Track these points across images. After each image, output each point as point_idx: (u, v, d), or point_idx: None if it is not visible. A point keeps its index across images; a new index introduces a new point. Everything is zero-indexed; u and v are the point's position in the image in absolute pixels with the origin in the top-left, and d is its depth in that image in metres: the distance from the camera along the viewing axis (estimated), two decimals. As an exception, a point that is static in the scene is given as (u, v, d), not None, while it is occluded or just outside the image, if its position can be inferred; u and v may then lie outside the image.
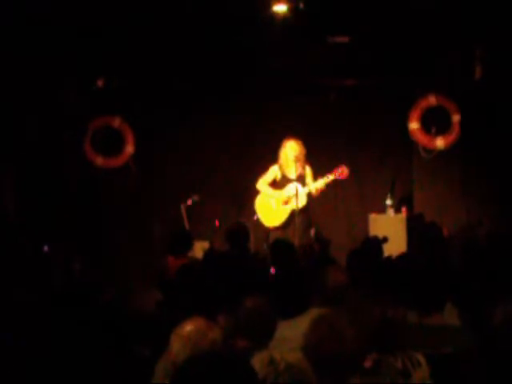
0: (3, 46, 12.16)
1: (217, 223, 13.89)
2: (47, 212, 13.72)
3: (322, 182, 13.58)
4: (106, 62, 14.01)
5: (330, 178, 13.53)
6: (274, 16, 13.24)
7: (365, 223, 13.70)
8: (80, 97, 14.42)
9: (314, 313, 6.51)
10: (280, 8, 13.10)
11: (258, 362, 4.40)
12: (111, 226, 14.10)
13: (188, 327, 5.99)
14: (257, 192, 13.85)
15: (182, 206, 13.97)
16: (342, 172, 13.48)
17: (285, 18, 13.26)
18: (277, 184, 13.79)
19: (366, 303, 7.03)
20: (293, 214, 13.60)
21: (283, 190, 13.72)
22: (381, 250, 10.48)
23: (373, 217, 13.88)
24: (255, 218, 13.80)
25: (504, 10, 12.71)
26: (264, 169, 13.75)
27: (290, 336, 6.63)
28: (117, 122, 14.90)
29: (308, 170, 13.70)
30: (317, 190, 13.57)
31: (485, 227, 12.57)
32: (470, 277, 8.26)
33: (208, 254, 12.20)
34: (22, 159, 13.43)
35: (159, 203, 14.10)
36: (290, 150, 13.60)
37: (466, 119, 14.41)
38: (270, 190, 13.79)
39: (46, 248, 13.61)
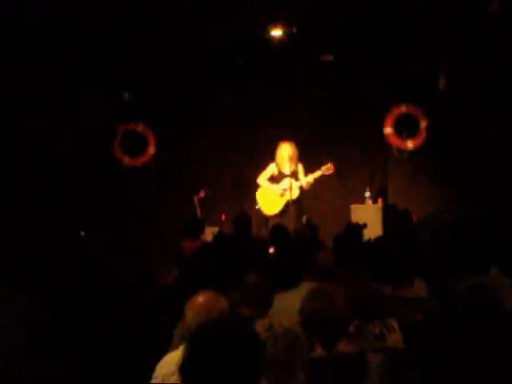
0: (43, 61, 12.09)
1: (223, 217, 13.91)
2: (84, 203, 13.73)
3: (311, 177, 13.59)
4: (133, 78, 14.02)
5: (319, 173, 13.54)
6: (271, 39, 13.26)
7: (347, 212, 13.68)
8: (111, 107, 14.43)
9: (306, 286, 6.52)
10: (276, 33, 13.11)
11: (259, 327, 4.39)
12: (137, 216, 14.09)
13: (200, 298, 6.00)
14: (257, 186, 13.85)
15: (195, 198, 13.98)
16: (328, 168, 13.49)
17: (280, 40, 13.28)
18: (274, 179, 13.79)
19: (349, 279, 7.04)
20: (287, 204, 13.60)
21: (279, 184, 13.73)
22: (361, 234, 10.48)
23: (354, 207, 13.87)
24: (256, 207, 13.82)
25: (465, 29, 12.71)
26: (263, 166, 13.75)
27: (286, 305, 6.63)
28: (140, 127, 14.93)
29: (300, 167, 13.70)
30: (307, 183, 13.58)
31: (450, 213, 12.56)
32: (436, 255, 8.26)
33: (217, 237, 12.21)
34: (63, 158, 13.41)
35: (176, 195, 14.08)
36: (285, 151, 13.60)
37: (432, 124, 14.42)
38: (269, 184, 13.80)
39: (82, 234, 13.63)
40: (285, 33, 13.27)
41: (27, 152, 12.27)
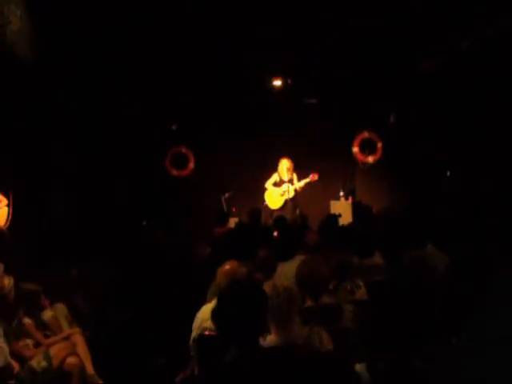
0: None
1: (234, 209, 13.91)
2: (146, 201, 13.75)
3: (302, 182, 13.58)
4: (178, 116, 14.04)
5: (307, 180, 13.54)
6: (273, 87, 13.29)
7: (328, 206, 13.64)
8: (164, 136, 14.46)
9: (299, 258, 6.53)
10: (277, 83, 13.11)
11: (266, 287, 4.38)
12: (182, 211, 14.10)
13: (227, 266, 6.05)
14: (265, 189, 13.87)
15: (222, 198, 13.97)
16: (313, 177, 13.49)
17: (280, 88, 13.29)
18: (277, 184, 13.79)
19: (329, 252, 7.04)
20: (286, 202, 13.65)
21: (281, 187, 13.74)
22: (337, 222, 10.48)
23: (332, 202, 13.80)
24: (264, 204, 13.83)
25: (407, 85, 12.73)
26: (269, 175, 13.77)
27: (285, 271, 6.68)
28: (184, 149, 14.90)
29: (294, 176, 13.70)
30: (300, 187, 13.58)
31: (398, 207, 12.54)
32: (388, 236, 8.27)
33: (238, 225, 12.21)
34: (133, 172, 13.42)
35: (209, 196, 14.06)
36: (284, 165, 13.63)
37: (385, 145, 14.46)
38: (273, 188, 13.81)
39: (144, 222, 13.63)
40: (283, 83, 13.27)
41: (109, 167, 12.27)
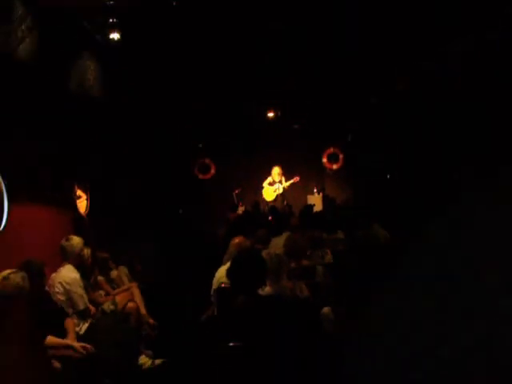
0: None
1: (240, 204, 13.85)
2: (180, 197, 13.76)
3: (288, 183, 13.62)
4: (204, 138, 14.08)
5: (291, 181, 13.58)
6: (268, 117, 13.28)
7: (306, 199, 13.63)
8: (194, 151, 14.51)
9: (285, 234, 6.52)
10: (270, 114, 13.13)
11: (264, 254, 4.40)
12: (206, 202, 14.08)
13: (236, 240, 6.04)
14: (263, 187, 13.90)
15: (234, 193, 13.97)
16: (296, 179, 13.53)
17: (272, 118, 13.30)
18: (271, 183, 13.82)
19: (306, 230, 7.05)
20: (277, 196, 13.69)
21: (273, 186, 13.77)
22: (312, 210, 10.49)
23: (309, 196, 13.79)
24: (262, 197, 13.87)
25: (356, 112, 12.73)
26: (266, 177, 13.83)
27: (277, 243, 6.66)
28: (207, 161, 14.92)
29: (283, 178, 13.74)
30: (286, 186, 13.63)
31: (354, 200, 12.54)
32: (346, 218, 8.26)
33: (244, 212, 12.23)
34: (171, 177, 13.45)
35: (225, 192, 14.05)
36: (276, 170, 13.70)
37: (345, 157, 14.47)
38: (268, 186, 13.84)
39: (180, 211, 13.64)
40: (275, 114, 13.30)
41: (156, 173, 12.30)
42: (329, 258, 6.15)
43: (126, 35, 6.96)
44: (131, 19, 6.75)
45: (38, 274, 5.12)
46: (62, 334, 5.08)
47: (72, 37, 6.59)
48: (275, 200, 13.73)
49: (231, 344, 3.57)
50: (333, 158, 14.73)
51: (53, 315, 5.17)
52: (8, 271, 4.49)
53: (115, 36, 6.76)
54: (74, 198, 7.98)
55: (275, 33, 8.10)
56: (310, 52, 8.89)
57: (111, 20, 6.38)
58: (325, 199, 13.22)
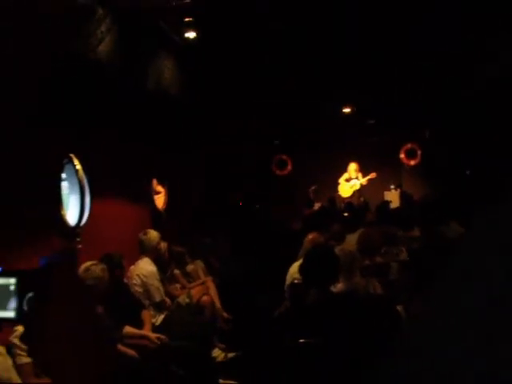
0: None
1: (313, 188, 13.75)
2: (259, 192, 13.84)
3: (365, 179, 13.51)
4: (281, 134, 14.09)
5: (368, 177, 13.43)
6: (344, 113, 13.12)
7: (382, 195, 13.35)
8: (271, 149, 14.57)
9: (359, 231, 6.40)
10: (347, 110, 12.96)
11: (337, 250, 4.36)
12: (282, 197, 14.06)
13: (310, 236, 6.03)
14: (339, 183, 13.82)
15: (310, 189, 13.89)
16: (372, 175, 13.35)
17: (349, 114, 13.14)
18: (347, 180, 13.73)
19: (382, 226, 6.92)
20: (354, 192, 13.60)
21: (350, 182, 13.66)
22: (388, 206, 10.36)
23: (385, 192, 13.55)
24: (338, 193, 13.80)
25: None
26: (342, 173, 13.79)
27: (351, 240, 6.56)
28: (284, 157, 14.95)
29: (359, 174, 13.63)
30: (363, 182, 13.51)
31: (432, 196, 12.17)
32: (423, 215, 8.02)
33: (320, 208, 12.17)
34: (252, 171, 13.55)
35: (301, 187, 14.01)
36: (352, 167, 13.67)
37: (423, 153, 14.11)
38: (345, 182, 13.74)
39: (257, 206, 13.69)
40: (351, 110, 13.12)
41: (235, 170, 12.42)
42: (404, 255, 5.99)
43: (204, 33, 7.03)
44: (208, 17, 6.82)
45: (117, 267, 5.27)
46: (139, 324, 5.21)
47: (149, 36, 6.72)
48: (351, 196, 13.58)
49: (302, 340, 3.54)
50: (410, 154, 14.37)
51: (130, 306, 5.31)
52: (89, 263, 4.65)
53: (191, 35, 6.86)
54: (152, 194, 8.15)
55: (351, 28, 7.96)
56: (389, 45, 8.69)
57: (187, 19, 6.48)
58: (402, 195, 12.95)
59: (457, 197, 9.91)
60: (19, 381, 3.26)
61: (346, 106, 13.01)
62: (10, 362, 3.28)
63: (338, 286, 4.25)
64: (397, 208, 10.69)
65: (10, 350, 3.40)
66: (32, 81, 4.65)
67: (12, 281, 0.76)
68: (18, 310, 0.75)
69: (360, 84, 10.64)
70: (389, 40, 8.40)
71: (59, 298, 0.77)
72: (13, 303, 0.76)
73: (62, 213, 5.34)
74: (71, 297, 0.79)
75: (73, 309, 0.78)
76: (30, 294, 0.75)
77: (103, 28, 5.09)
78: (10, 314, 0.76)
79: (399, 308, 3.89)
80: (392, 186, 13.86)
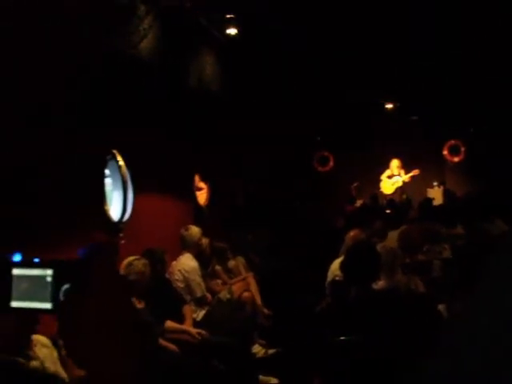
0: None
1: (355, 184, 13.63)
2: (299, 189, 13.77)
3: (408, 176, 13.28)
4: (323, 131, 14.00)
5: (411, 174, 13.23)
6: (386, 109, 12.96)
7: (425, 192, 13.11)
8: (312, 146, 14.50)
9: (401, 228, 6.30)
10: (389, 106, 12.80)
11: (378, 247, 4.31)
12: (324, 194, 13.96)
13: (352, 233, 5.95)
14: (381, 180, 13.64)
15: (352, 186, 13.73)
16: (415, 172, 13.16)
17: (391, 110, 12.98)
18: (390, 177, 13.51)
19: (425, 223, 6.81)
20: (396, 189, 13.39)
21: (392, 179, 13.48)
22: (431, 203, 10.18)
23: (428, 190, 13.29)
24: (380, 190, 13.62)
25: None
26: (384, 170, 13.60)
27: (392, 237, 6.45)
28: (326, 153, 14.84)
29: (402, 171, 13.43)
30: (406, 179, 13.30)
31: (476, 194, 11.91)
32: (467, 212, 7.88)
33: (362, 205, 12.10)
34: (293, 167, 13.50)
35: (343, 184, 13.86)
36: (395, 163, 13.41)
37: (467, 149, 13.84)
38: (387, 179, 13.56)
39: (298, 203, 13.63)
40: (394, 106, 12.94)
41: (278, 167, 12.41)
42: (447, 253, 5.89)
43: (245, 30, 7.04)
44: (249, 14, 6.82)
45: (159, 262, 5.32)
46: (180, 319, 5.25)
47: (191, 33, 6.75)
48: (394, 193, 13.40)
49: (342, 338, 3.52)
50: (454, 151, 14.09)
51: (172, 301, 5.35)
52: (132, 258, 4.71)
53: (233, 31, 6.88)
54: (194, 190, 8.20)
55: (397, 24, 7.87)
56: (433, 41, 8.56)
57: (228, 15, 6.51)
58: (445, 193, 12.72)
59: (501, 194, 9.69)
60: (65, 374, 3.30)
61: (388, 102, 12.82)
62: (55, 354, 3.32)
63: (380, 284, 4.20)
64: (440, 205, 10.52)
65: (56, 342, 3.44)
66: (77, 79, 4.72)
67: (49, 272, 0.76)
68: (55, 301, 0.75)
69: (403, 80, 10.51)
70: (434, 36, 8.27)
71: (96, 291, 0.77)
72: (49, 294, 0.76)
73: (106, 208, 5.41)
74: (109, 290, 0.79)
75: (110, 302, 0.78)
76: (67, 286, 0.75)
77: (145, 25, 5.14)
78: (46, 305, 0.76)
79: (441, 307, 3.82)
80: (435, 183, 13.61)
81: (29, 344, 3.15)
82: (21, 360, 2.94)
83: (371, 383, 3.36)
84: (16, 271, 0.77)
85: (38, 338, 3.24)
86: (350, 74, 10.06)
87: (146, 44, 5.31)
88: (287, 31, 7.72)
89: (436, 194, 12.69)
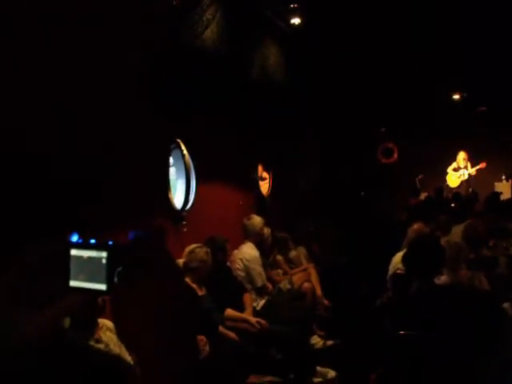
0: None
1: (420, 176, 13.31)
2: (363, 180, 13.58)
3: (474, 169, 13.01)
4: (388, 122, 13.75)
5: (477, 167, 12.91)
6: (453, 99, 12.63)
7: (492, 186, 12.71)
8: (377, 135, 14.26)
9: (465, 222, 6.11)
10: (456, 97, 12.47)
11: (443, 242, 4.23)
12: (388, 186, 13.72)
13: (415, 226, 5.85)
14: (447, 172, 13.35)
15: (416, 178, 13.51)
16: (482, 165, 12.83)
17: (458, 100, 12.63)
18: (455, 169, 13.32)
19: (490, 218, 6.61)
20: (462, 182, 13.17)
21: (458, 172, 13.23)
22: (499, 197, 9.87)
23: (496, 183, 12.88)
24: (446, 183, 13.35)
25: None
26: (450, 163, 13.31)
27: (456, 231, 6.29)
28: (390, 145, 14.60)
29: (468, 164, 13.16)
30: (472, 172, 13.01)
31: None
32: None
33: (426, 198, 11.85)
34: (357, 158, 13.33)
35: (406, 176, 13.61)
36: (461, 155, 13.27)
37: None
38: (453, 172, 13.31)
39: (362, 193, 13.44)
40: (460, 96, 12.60)
41: (339, 157, 12.27)
42: (515, 249, 5.71)
43: (309, 19, 6.97)
44: (313, 3, 6.74)
45: (220, 250, 5.37)
46: (241, 307, 5.28)
47: (254, 23, 6.74)
48: (460, 186, 13.11)
49: (402, 332, 3.45)
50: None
51: (232, 289, 5.39)
52: (194, 245, 4.76)
53: (296, 21, 6.82)
54: (257, 179, 8.22)
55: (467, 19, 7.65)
56: (502, 29, 8.26)
57: (292, 5, 6.45)
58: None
59: None
60: (129, 357, 3.36)
61: (455, 93, 12.48)
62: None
63: (442, 278, 4.12)
64: (508, 199, 10.17)
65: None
66: (141, 69, 4.80)
67: (104, 254, 0.77)
68: (109, 283, 0.77)
69: (471, 69, 10.20)
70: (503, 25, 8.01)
71: (144, 275, 0.77)
72: (104, 276, 0.78)
73: (170, 196, 5.49)
74: (157, 275, 0.79)
75: (159, 288, 0.78)
76: (120, 268, 0.77)
77: (209, 15, 5.16)
78: (102, 286, 0.78)
79: (506, 305, 3.70)
80: (503, 177, 13.17)
81: (96, 327, 3.26)
82: (90, 343, 3.02)
83: (429, 381, 3.30)
84: (73, 252, 0.79)
85: (104, 321, 3.36)
86: (417, 62, 9.84)
87: (209, 34, 5.33)
88: (351, 18, 7.60)
89: (504, 188, 12.30)
